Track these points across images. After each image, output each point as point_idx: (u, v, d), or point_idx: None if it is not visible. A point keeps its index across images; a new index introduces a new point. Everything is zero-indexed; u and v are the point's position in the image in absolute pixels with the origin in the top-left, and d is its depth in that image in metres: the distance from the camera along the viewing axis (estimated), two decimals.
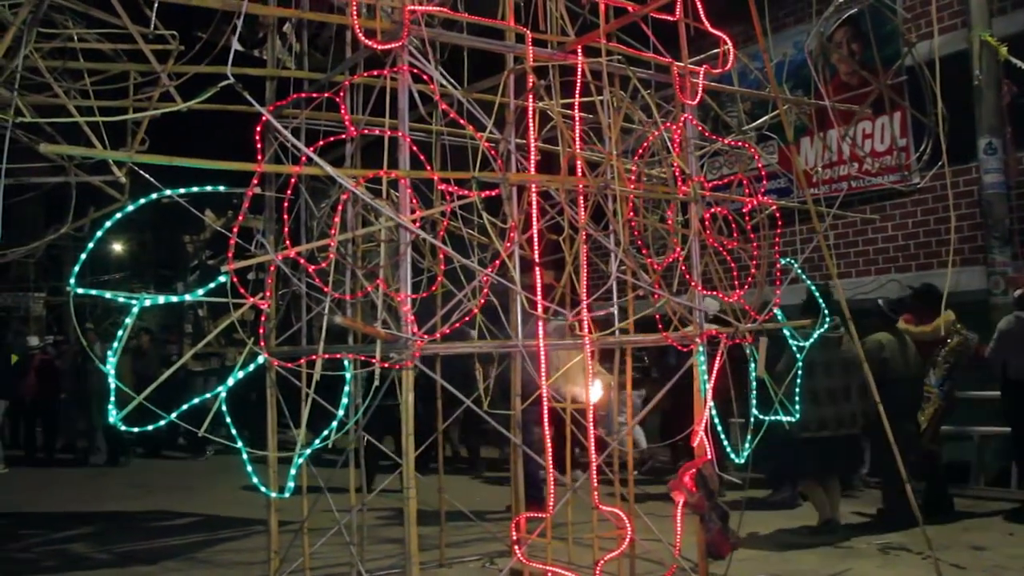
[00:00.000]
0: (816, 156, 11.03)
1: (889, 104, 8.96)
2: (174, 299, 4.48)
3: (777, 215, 6.27)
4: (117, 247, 32.07)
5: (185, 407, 4.25)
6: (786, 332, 6.48)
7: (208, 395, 4.44)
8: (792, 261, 6.23)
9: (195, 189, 4.15)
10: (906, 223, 10.78)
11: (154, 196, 4.20)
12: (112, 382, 4.08)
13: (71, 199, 6.33)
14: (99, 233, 4.09)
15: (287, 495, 4.92)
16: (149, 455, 14.63)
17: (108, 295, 4.20)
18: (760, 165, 6.25)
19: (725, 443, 5.81)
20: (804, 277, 6.54)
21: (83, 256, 4.13)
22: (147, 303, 4.11)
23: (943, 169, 7.09)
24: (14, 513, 9.79)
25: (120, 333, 4.05)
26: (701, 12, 5.78)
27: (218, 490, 10.68)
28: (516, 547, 4.89)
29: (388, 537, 7.30)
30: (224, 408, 4.37)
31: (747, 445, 5.85)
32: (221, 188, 4.28)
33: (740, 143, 6.40)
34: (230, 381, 4.35)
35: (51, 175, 6.41)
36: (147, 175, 4.29)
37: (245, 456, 4.53)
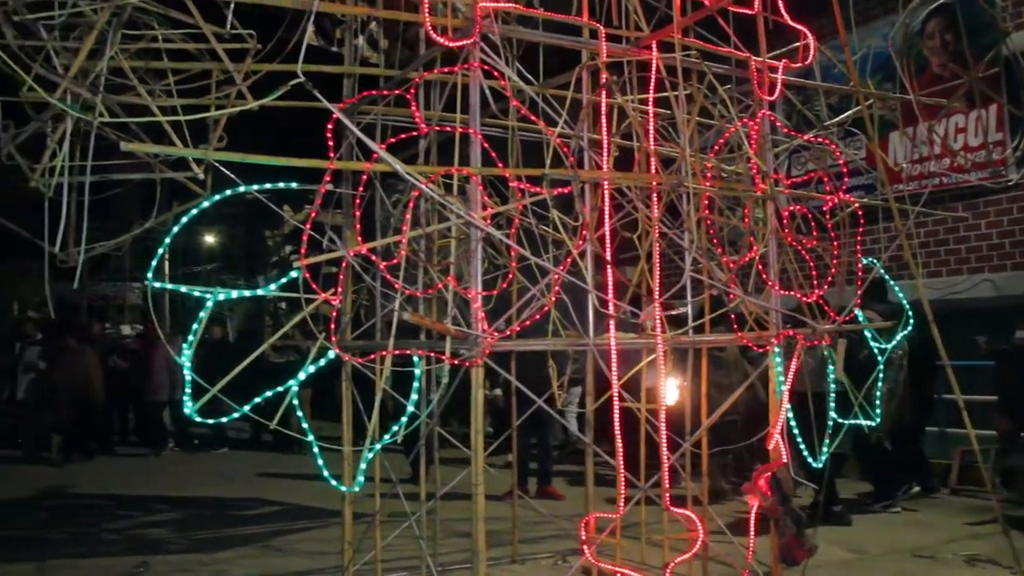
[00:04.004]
0: (904, 152, 10.71)
1: (980, 97, 8.62)
2: (247, 294, 4.58)
3: (859, 213, 6.10)
4: (210, 240, 33.24)
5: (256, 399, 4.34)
6: (867, 333, 6.31)
7: (280, 388, 4.53)
8: (875, 261, 6.04)
9: (268, 186, 4.22)
10: (1001, 220, 10.36)
11: (228, 192, 4.28)
12: (188, 374, 4.21)
13: (157, 195, 6.54)
14: (175, 228, 4.20)
15: (357, 489, 4.97)
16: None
17: (184, 289, 4.31)
18: (841, 161, 6.08)
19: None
20: (887, 277, 6.35)
21: (160, 251, 4.25)
22: (221, 297, 4.21)
23: None
24: (112, 495, 10.19)
25: (195, 326, 4.16)
26: (781, 5, 5.66)
27: (301, 481, 10.87)
28: (585, 546, 4.87)
29: (465, 531, 7.33)
30: (296, 401, 4.45)
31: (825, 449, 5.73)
32: (294, 185, 4.34)
33: (822, 139, 6.22)
34: (301, 375, 4.43)
35: (140, 171, 6.61)
36: (227, 171, 4.38)
37: (316, 450, 4.60)
